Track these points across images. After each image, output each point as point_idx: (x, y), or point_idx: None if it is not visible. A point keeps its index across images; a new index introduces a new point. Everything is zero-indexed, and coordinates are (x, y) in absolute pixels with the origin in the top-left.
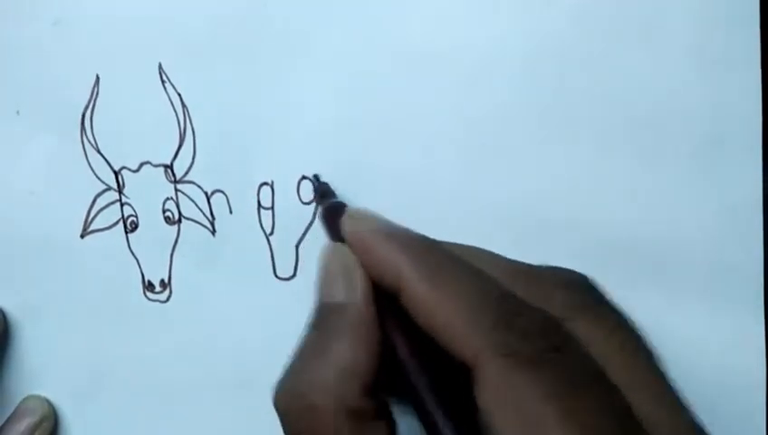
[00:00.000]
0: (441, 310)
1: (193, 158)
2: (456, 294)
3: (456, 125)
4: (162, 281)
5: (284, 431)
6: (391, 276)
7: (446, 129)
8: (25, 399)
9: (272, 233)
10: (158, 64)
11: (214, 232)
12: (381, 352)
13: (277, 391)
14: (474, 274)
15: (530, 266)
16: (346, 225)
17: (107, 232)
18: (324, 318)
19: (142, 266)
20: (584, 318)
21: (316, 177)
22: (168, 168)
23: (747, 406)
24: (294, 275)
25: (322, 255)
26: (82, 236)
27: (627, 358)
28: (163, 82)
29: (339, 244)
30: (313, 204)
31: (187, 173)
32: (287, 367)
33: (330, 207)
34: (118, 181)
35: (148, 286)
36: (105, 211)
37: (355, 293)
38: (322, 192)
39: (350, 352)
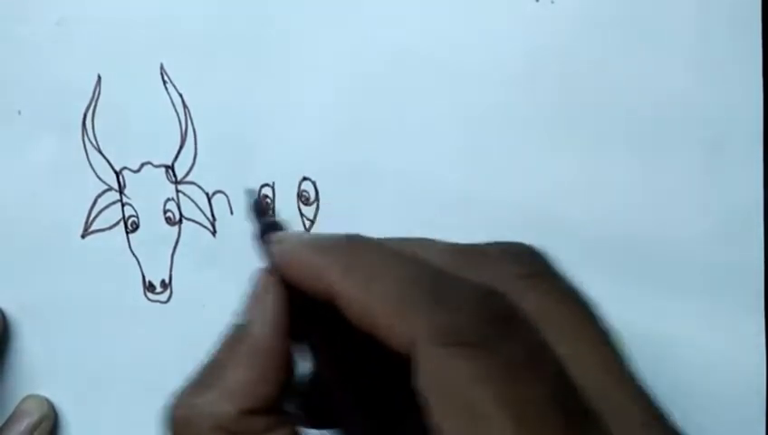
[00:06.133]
0: (374, 304)
1: (194, 158)
2: (387, 285)
3: (457, 126)
4: (163, 281)
5: None
6: (322, 284)
7: (447, 129)
8: (25, 398)
9: None
10: (159, 65)
11: (214, 233)
12: (282, 376)
13: (166, 408)
14: (405, 261)
15: (473, 245)
16: (273, 247)
17: (108, 232)
18: (227, 339)
19: (143, 267)
20: (534, 288)
21: (250, 191)
22: (170, 168)
23: (747, 406)
24: None
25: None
26: (83, 237)
27: (578, 328)
28: (164, 82)
29: (263, 268)
30: (314, 205)
31: (188, 174)
32: (181, 387)
33: (266, 225)
34: (119, 181)
35: (149, 287)
36: (106, 211)
37: (262, 319)
38: (259, 209)
39: (237, 379)
